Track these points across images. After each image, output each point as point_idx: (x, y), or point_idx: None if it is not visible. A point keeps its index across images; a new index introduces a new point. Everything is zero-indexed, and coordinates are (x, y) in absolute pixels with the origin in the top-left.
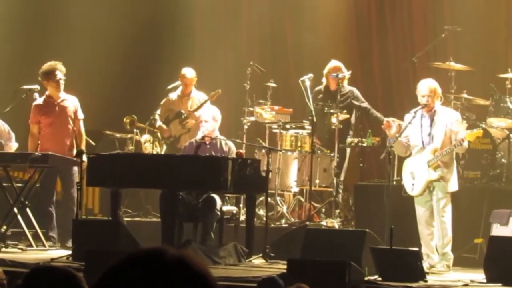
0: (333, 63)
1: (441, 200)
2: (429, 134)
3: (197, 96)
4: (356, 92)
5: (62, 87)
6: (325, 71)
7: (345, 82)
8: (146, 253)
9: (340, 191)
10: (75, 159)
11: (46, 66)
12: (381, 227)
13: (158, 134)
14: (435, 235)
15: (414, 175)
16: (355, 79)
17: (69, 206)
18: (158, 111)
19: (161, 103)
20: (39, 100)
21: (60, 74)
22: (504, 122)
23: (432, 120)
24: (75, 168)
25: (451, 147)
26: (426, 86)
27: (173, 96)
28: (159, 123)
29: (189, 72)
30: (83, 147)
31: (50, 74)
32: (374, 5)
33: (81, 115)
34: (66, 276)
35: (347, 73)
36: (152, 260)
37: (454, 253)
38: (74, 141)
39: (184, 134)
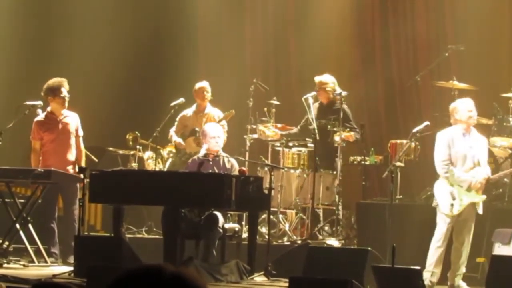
0: (317, 78)
1: (469, 221)
2: (474, 155)
3: (212, 112)
4: (347, 111)
5: (66, 104)
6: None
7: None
8: (145, 270)
9: (340, 208)
10: (77, 175)
11: (52, 82)
12: (383, 245)
13: (161, 151)
14: (462, 252)
15: (454, 195)
16: (358, 97)
17: (70, 222)
18: (174, 128)
19: (177, 119)
20: (41, 116)
21: (65, 92)
22: (506, 142)
23: (473, 140)
24: (77, 185)
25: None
26: (471, 102)
27: (188, 112)
28: (175, 138)
29: (203, 83)
30: (83, 164)
31: (56, 91)
32: (378, 23)
33: (81, 132)
34: None
35: (338, 90)
36: (151, 277)
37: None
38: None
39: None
